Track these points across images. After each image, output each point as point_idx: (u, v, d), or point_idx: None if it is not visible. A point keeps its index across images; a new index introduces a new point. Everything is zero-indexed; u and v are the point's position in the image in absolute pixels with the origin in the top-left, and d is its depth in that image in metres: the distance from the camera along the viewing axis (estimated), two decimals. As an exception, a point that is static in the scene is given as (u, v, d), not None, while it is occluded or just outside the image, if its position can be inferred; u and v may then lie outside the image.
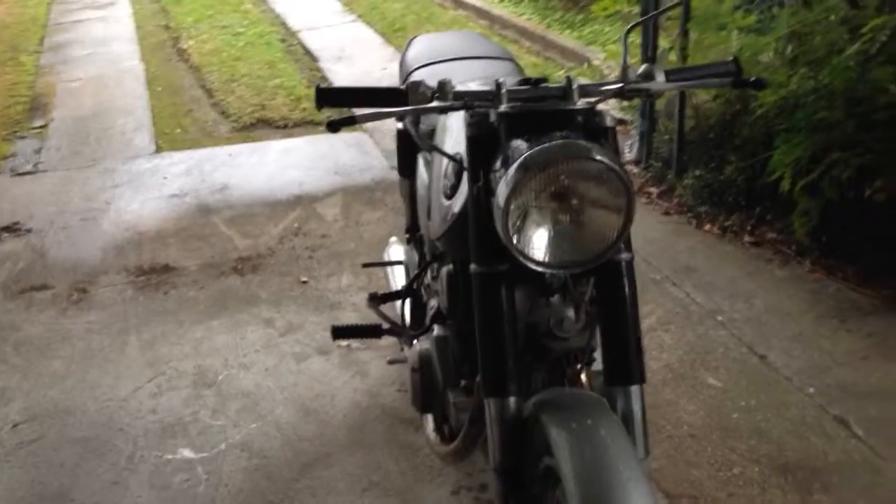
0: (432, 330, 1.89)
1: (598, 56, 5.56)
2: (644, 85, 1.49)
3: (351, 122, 1.42)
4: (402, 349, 2.40)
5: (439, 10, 7.98)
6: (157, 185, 4.43)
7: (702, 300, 3.11)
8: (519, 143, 1.36)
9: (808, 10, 3.29)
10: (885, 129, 3.01)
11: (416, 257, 2.54)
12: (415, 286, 2.20)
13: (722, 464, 2.36)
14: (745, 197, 3.59)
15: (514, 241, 1.33)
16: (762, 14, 4.03)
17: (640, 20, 1.41)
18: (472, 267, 1.45)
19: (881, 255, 3.11)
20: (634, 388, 1.45)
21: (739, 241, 3.50)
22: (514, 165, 1.30)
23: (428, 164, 2.08)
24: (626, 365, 1.45)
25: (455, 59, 2.33)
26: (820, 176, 3.05)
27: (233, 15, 8.16)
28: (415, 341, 2.02)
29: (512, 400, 1.44)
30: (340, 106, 1.53)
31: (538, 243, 1.34)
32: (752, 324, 2.96)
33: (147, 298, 3.35)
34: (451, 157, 1.55)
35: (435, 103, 1.45)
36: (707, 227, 3.61)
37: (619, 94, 1.49)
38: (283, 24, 7.93)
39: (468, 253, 1.67)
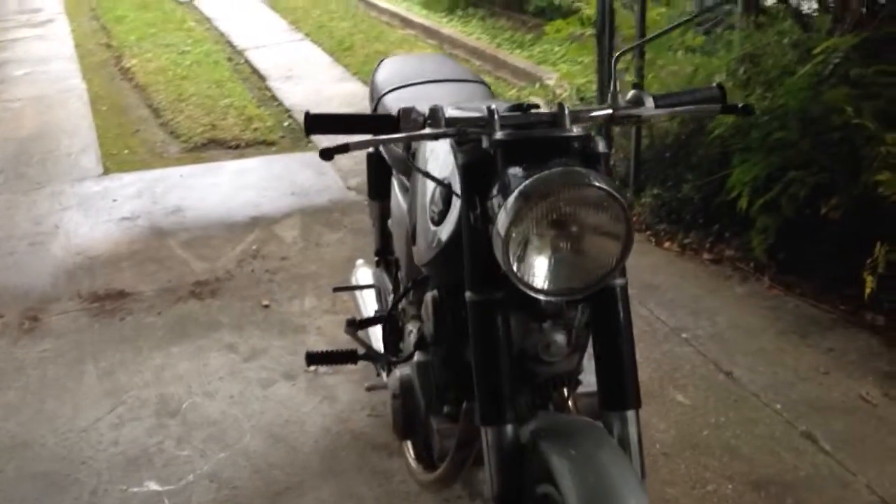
0: (413, 355, 1.87)
1: (550, 75, 5.62)
2: (634, 111, 1.50)
3: (344, 149, 1.39)
4: (378, 374, 2.37)
5: (387, 29, 7.99)
6: (108, 208, 4.33)
7: (666, 318, 3.14)
8: (517, 171, 1.35)
9: (761, 33, 3.37)
10: (838, 149, 3.09)
11: (387, 281, 2.52)
12: (393, 311, 2.17)
13: (696, 481, 2.38)
14: (703, 215, 3.65)
15: (515, 269, 1.32)
16: (709, 35, 4.14)
17: (627, 47, 1.42)
18: (468, 295, 1.43)
19: (837, 270, 3.18)
20: (630, 413, 1.45)
21: (699, 258, 3.56)
22: (515, 194, 1.29)
23: (406, 187, 2.06)
24: (622, 390, 1.45)
25: (426, 82, 2.32)
26: (778, 194, 3.11)
27: (176, 33, 8.05)
28: (395, 367, 1.99)
29: (509, 428, 1.42)
30: (329, 132, 1.50)
31: (539, 271, 1.33)
32: (717, 341, 3.00)
33: (103, 325, 3.26)
34: (441, 183, 1.53)
35: (427, 130, 1.44)
36: (666, 244, 3.66)
37: (610, 121, 1.50)
38: (229, 43, 7.85)
39: (457, 279, 1.65)
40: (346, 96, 6.06)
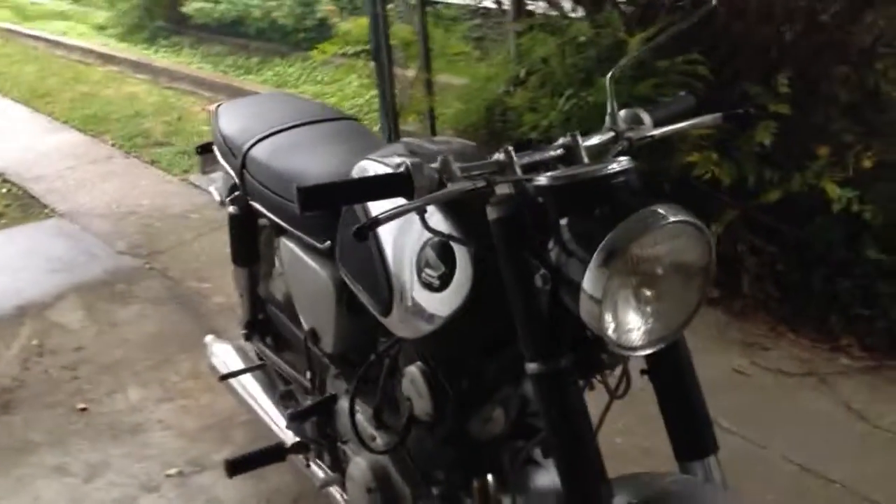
0: (402, 440, 1.62)
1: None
2: (649, 132, 1.40)
3: (375, 224, 1.14)
4: (307, 466, 2.02)
5: (84, 68, 7.20)
6: None
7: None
8: (584, 221, 1.18)
9: (552, 36, 3.41)
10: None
11: (277, 358, 2.19)
12: (330, 392, 1.87)
13: (631, 492, 2.33)
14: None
15: (611, 332, 1.16)
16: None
17: (622, 63, 1.30)
18: (533, 367, 1.24)
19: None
20: (712, 459, 1.37)
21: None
22: (602, 250, 1.12)
23: (319, 250, 1.79)
24: (700, 437, 1.38)
25: (297, 125, 2.05)
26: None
27: None
28: (357, 457, 1.72)
29: (611, 510, 1.26)
30: (331, 206, 1.23)
31: (634, 326, 1.19)
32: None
33: None
34: (463, 242, 1.31)
35: (452, 186, 1.21)
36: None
37: (629, 146, 1.38)
38: None
39: (463, 351, 1.46)
40: (68, 148, 5.37)
